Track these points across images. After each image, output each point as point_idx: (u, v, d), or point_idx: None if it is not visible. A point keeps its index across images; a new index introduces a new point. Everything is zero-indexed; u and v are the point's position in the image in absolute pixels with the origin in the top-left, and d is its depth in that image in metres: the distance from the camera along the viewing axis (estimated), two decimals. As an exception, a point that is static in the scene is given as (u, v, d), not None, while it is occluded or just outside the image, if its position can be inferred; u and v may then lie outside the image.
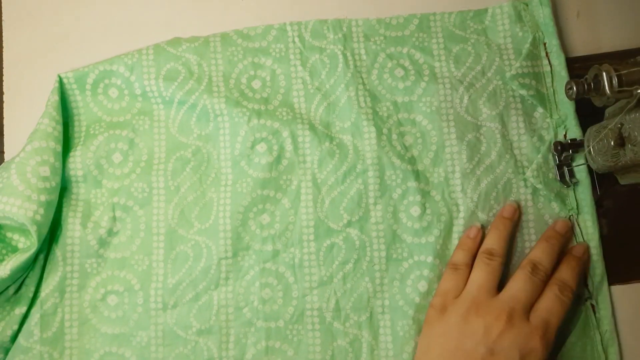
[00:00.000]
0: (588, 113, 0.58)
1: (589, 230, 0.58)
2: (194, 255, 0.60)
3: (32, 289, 0.59)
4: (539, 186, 0.59)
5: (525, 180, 0.60)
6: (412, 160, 0.61)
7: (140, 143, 0.63)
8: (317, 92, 0.63)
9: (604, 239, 0.59)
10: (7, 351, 0.58)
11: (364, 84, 0.63)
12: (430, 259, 0.59)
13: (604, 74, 0.49)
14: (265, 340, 0.59)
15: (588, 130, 0.56)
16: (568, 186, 0.59)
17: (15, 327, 0.58)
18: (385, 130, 0.62)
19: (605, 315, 0.57)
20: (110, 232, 0.61)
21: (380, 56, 0.64)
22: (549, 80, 0.61)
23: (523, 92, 0.60)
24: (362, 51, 0.64)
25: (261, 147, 0.61)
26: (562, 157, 0.58)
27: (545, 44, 0.62)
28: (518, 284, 0.54)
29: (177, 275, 0.60)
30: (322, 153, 0.61)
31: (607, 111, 0.56)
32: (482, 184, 0.60)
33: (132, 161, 0.63)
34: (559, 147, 0.58)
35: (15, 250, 0.59)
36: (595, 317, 0.57)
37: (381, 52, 0.64)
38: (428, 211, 0.60)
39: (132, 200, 0.62)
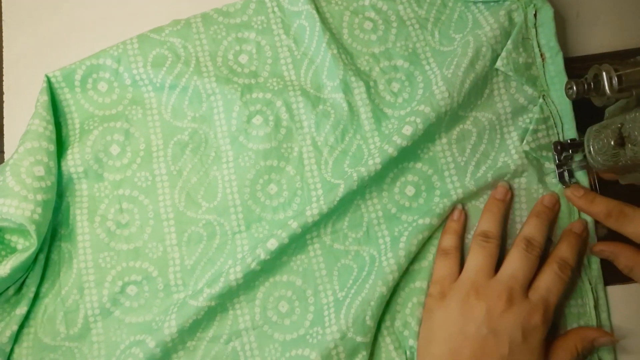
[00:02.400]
0: (587, 113, 0.58)
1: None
2: (208, 235, 0.61)
3: (33, 289, 0.59)
4: (510, 73, 0.60)
5: (497, 70, 0.61)
6: (403, 105, 0.62)
7: (136, 133, 0.63)
8: (304, 57, 0.64)
9: (603, 239, 0.58)
10: (5, 354, 0.58)
11: (341, 44, 0.64)
12: (412, 163, 0.61)
13: (604, 73, 0.49)
14: (272, 277, 0.60)
15: (588, 130, 0.56)
16: (568, 186, 0.59)
17: (15, 327, 0.58)
18: (371, 83, 0.63)
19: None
20: (119, 224, 0.61)
21: (346, 15, 0.65)
22: None
23: None
24: (327, 15, 0.65)
25: (257, 120, 0.62)
26: (562, 157, 0.58)
27: None
28: (515, 263, 0.55)
29: (193, 256, 0.61)
30: (318, 116, 0.62)
31: (607, 111, 0.56)
32: (466, 85, 0.59)
33: (130, 151, 0.63)
34: (559, 147, 0.58)
35: (14, 251, 0.59)
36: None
37: (345, 10, 0.65)
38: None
39: (137, 190, 0.62)
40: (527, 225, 0.57)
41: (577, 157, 0.59)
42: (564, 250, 0.56)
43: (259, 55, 0.65)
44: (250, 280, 0.58)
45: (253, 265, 0.57)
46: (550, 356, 0.54)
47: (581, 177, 0.59)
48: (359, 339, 0.56)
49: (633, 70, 0.49)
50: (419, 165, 0.61)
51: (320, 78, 0.64)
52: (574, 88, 0.53)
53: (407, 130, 0.58)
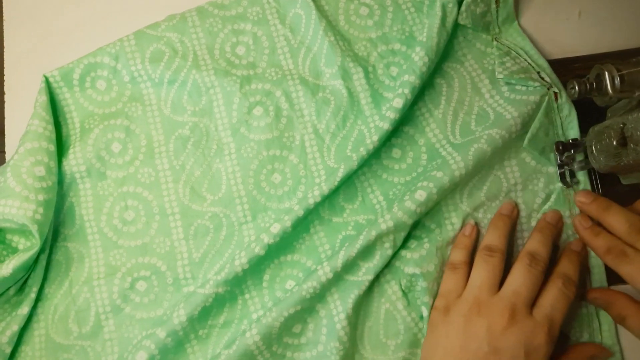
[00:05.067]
0: (589, 113, 0.58)
1: (593, 263, 0.58)
2: (214, 227, 0.61)
3: (35, 289, 0.59)
4: (469, 25, 0.62)
5: (459, 25, 0.63)
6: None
7: (137, 129, 0.63)
8: (301, 46, 0.64)
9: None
10: (5, 355, 0.58)
11: (338, 30, 0.64)
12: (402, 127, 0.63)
13: (607, 73, 0.50)
14: (277, 258, 0.60)
15: (590, 130, 0.56)
16: (569, 186, 0.59)
17: (16, 328, 0.58)
18: (370, 68, 0.63)
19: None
20: (125, 222, 0.61)
21: (341, 1, 0.65)
22: None
23: None
24: (323, 2, 0.65)
25: (257, 111, 0.62)
26: (564, 157, 0.58)
27: None
28: (518, 278, 0.54)
29: (201, 249, 0.61)
30: (318, 103, 0.62)
31: (609, 111, 0.56)
32: (440, 45, 0.61)
33: (131, 148, 0.63)
34: (561, 147, 0.58)
35: (15, 251, 0.59)
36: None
37: None
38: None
39: (141, 187, 0.62)
40: (530, 241, 0.57)
41: (579, 157, 0.59)
42: (566, 267, 0.55)
43: (256, 46, 0.65)
44: (256, 265, 0.58)
45: (257, 250, 0.57)
46: None
47: (582, 176, 0.59)
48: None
49: (635, 70, 0.50)
50: (400, 127, 0.62)
51: (318, 66, 0.64)
52: (577, 88, 0.53)
53: (398, 103, 0.59)
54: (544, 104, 0.58)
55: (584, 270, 0.58)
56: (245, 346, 0.56)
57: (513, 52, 0.62)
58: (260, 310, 0.59)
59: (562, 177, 0.59)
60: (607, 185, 0.59)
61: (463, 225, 0.60)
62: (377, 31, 0.64)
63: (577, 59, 0.63)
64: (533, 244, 0.56)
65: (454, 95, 0.62)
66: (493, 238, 0.57)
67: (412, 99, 0.60)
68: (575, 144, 0.58)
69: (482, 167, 0.60)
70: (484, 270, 0.55)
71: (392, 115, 0.59)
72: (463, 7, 0.61)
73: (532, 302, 0.53)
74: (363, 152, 0.59)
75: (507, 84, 0.61)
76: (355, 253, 0.56)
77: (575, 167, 0.59)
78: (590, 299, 0.57)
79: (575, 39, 0.64)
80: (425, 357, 0.55)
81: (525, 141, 0.58)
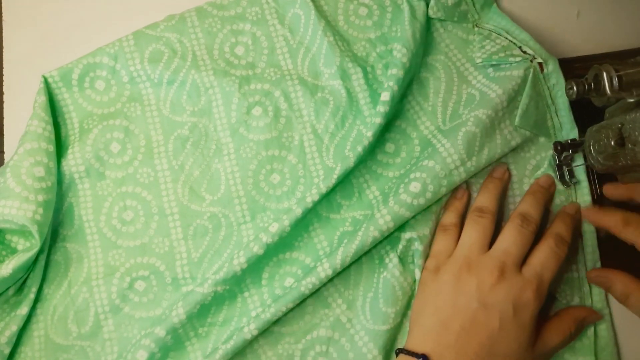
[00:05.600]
0: (587, 113, 0.57)
1: (585, 229, 0.59)
2: (213, 227, 0.61)
3: (34, 290, 0.59)
4: (442, 17, 0.62)
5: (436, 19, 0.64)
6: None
7: (136, 129, 0.63)
8: (300, 46, 0.64)
9: (603, 239, 0.58)
10: (5, 356, 0.58)
11: (337, 31, 0.64)
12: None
13: (605, 74, 0.49)
14: (275, 256, 0.60)
15: (588, 130, 0.56)
16: (568, 186, 0.59)
17: (15, 328, 0.58)
18: (369, 68, 0.63)
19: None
20: (124, 222, 0.61)
21: (340, 2, 0.65)
22: None
23: None
24: (322, 2, 0.65)
25: (256, 111, 0.62)
26: (562, 157, 0.58)
27: None
28: (509, 237, 0.54)
29: (200, 249, 0.61)
30: (317, 104, 0.62)
31: (607, 111, 0.55)
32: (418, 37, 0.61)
33: (130, 148, 0.63)
34: (559, 147, 0.58)
35: (14, 252, 0.60)
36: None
37: None
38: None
39: (140, 187, 0.62)
40: (522, 203, 0.57)
41: (578, 157, 0.59)
42: (560, 227, 0.56)
43: (255, 46, 0.65)
44: (255, 263, 0.58)
45: (255, 249, 0.57)
46: (543, 336, 0.54)
47: (581, 176, 0.59)
48: None
49: (633, 71, 0.49)
50: (392, 122, 0.62)
51: (317, 66, 0.64)
52: (575, 88, 0.53)
53: (386, 96, 0.59)
54: (530, 76, 0.58)
55: (576, 235, 0.58)
56: (244, 341, 0.56)
57: (494, 34, 0.62)
58: (260, 307, 0.59)
59: (561, 177, 0.59)
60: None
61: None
62: (376, 31, 0.64)
63: (576, 59, 0.63)
64: (525, 205, 0.57)
65: (442, 86, 0.62)
66: (484, 199, 0.58)
67: (400, 90, 0.60)
68: (573, 144, 0.58)
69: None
70: (474, 231, 0.56)
71: (382, 109, 0.59)
72: (432, 2, 0.62)
73: (522, 262, 0.54)
74: (359, 149, 0.58)
75: (492, 65, 0.61)
76: (354, 251, 0.56)
77: (574, 167, 0.59)
78: (590, 277, 0.58)
79: (574, 39, 0.64)
80: (415, 315, 0.56)
81: (517, 119, 0.58)
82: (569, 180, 0.59)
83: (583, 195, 0.59)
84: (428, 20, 0.63)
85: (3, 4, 0.68)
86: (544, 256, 0.54)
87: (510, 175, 0.60)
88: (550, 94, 0.60)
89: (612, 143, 0.52)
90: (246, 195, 0.61)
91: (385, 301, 0.58)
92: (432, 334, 0.53)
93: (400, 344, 0.58)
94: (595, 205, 0.58)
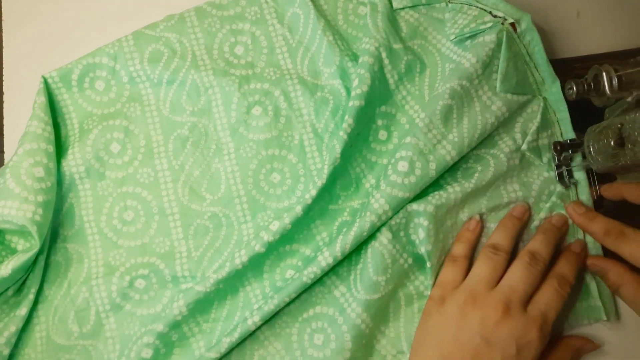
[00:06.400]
0: (587, 113, 0.57)
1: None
2: (214, 226, 0.61)
3: (34, 290, 0.59)
4: (408, 4, 0.63)
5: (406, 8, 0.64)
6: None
7: (136, 129, 0.63)
8: (299, 46, 0.65)
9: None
10: (4, 357, 0.58)
11: (337, 30, 0.64)
12: (376, 109, 0.62)
13: (604, 74, 0.50)
14: (276, 250, 0.60)
15: (588, 131, 0.55)
16: (567, 187, 0.59)
17: (14, 329, 0.58)
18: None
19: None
20: (124, 222, 0.61)
21: (340, 1, 0.65)
22: None
23: None
24: (321, 2, 0.65)
25: (256, 110, 0.62)
26: (562, 157, 0.58)
27: None
28: (516, 274, 0.54)
29: (200, 248, 0.61)
30: (317, 103, 0.62)
31: (607, 111, 0.55)
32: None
33: (130, 149, 0.63)
34: (559, 148, 0.58)
35: (14, 252, 0.60)
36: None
37: None
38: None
39: (140, 187, 0.62)
40: (533, 241, 0.56)
41: (577, 157, 0.59)
42: (563, 267, 0.55)
43: (254, 46, 0.65)
44: (256, 260, 0.58)
45: (257, 248, 0.57)
46: None
47: (580, 177, 0.59)
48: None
49: (633, 71, 0.50)
50: (382, 108, 0.62)
51: (316, 65, 0.64)
52: (574, 88, 0.53)
53: (356, 82, 0.59)
54: (504, 39, 0.58)
55: (581, 272, 0.58)
56: (248, 332, 0.56)
57: (466, 5, 0.61)
58: (262, 300, 0.59)
59: (560, 177, 0.59)
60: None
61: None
62: None
63: (575, 59, 0.63)
64: (535, 244, 0.56)
65: (426, 70, 0.62)
66: (500, 237, 0.57)
67: (372, 75, 0.59)
68: (573, 145, 0.58)
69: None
70: (485, 266, 0.55)
71: (355, 92, 0.59)
72: None
73: (528, 300, 0.53)
74: (343, 135, 0.58)
75: (468, 38, 0.60)
76: (352, 237, 0.56)
77: (573, 167, 0.59)
78: (588, 264, 0.57)
79: (574, 39, 0.64)
80: (416, 344, 0.55)
81: (498, 84, 0.58)
82: (567, 181, 0.59)
83: (582, 195, 0.59)
84: (392, 9, 0.63)
85: (3, 4, 0.68)
86: (549, 296, 0.53)
87: (530, 216, 0.59)
88: (527, 52, 0.59)
89: (612, 143, 0.52)
90: (246, 194, 0.61)
91: (375, 270, 0.57)
92: None
93: (392, 313, 0.59)
94: (586, 209, 0.58)
